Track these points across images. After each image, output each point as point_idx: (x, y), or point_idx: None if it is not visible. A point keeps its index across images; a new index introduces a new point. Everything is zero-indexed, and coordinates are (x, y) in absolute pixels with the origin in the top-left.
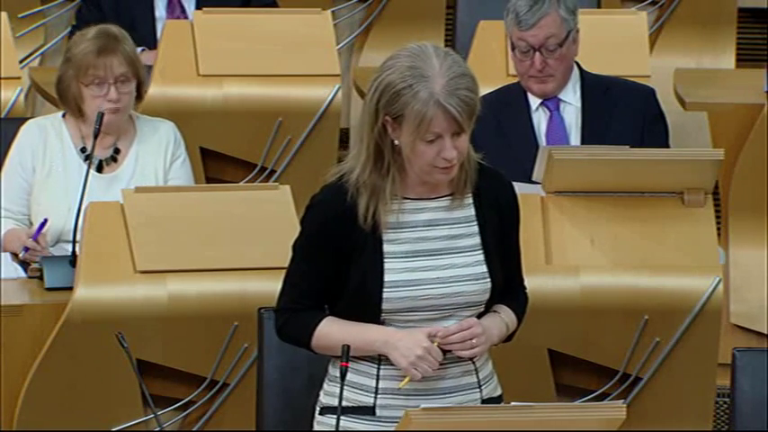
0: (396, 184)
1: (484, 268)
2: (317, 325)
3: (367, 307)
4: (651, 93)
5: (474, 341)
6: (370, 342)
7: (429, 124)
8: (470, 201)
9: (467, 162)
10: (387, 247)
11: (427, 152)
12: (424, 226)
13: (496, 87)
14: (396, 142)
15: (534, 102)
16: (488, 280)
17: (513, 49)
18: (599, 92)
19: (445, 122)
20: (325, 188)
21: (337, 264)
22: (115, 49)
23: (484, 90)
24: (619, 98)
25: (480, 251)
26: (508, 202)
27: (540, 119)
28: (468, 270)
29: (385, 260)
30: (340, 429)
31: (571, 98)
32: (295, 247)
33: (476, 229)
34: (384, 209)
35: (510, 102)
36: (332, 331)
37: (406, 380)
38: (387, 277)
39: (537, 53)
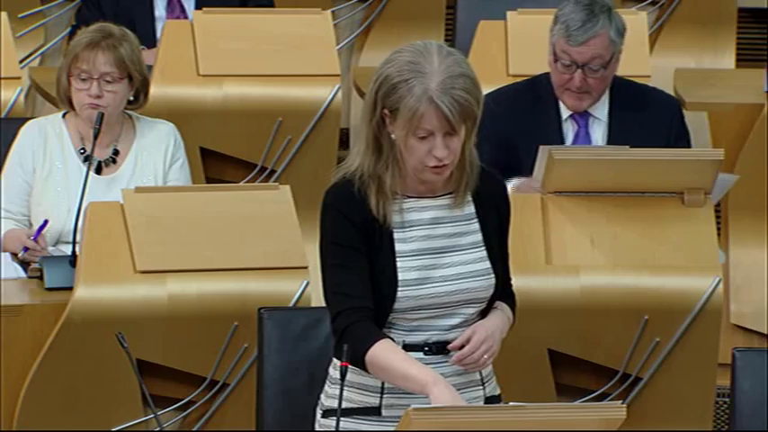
0: (395, 179)
1: (487, 264)
2: (368, 350)
3: (378, 307)
4: (677, 107)
5: (483, 347)
6: (410, 381)
7: (420, 120)
8: (470, 199)
9: (469, 166)
10: (398, 246)
11: (419, 148)
12: (429, 224)
13: (496, 87)
14: (393, 136)
15: (565, 111)
16: (492, 275)
17: (555, 59)
18: (627, 104)
19: (436, 120)
20: (333, 189)
21: (368, 257)
22: (106, 46)
23: (483, 90)
24: (645, 111)
25: (482, 248)
26: (504, 202)
27: (568, 129)
28: (472, 267)
29: (397, 259)
30: (346, 431)
31: (600, 113)
32: (325, 256)
33: (476, 226)
34: (389, 205)
35: (541, 96)
36: (378, 363)
37: None
38: (400, 276)
39: (579, 70)
